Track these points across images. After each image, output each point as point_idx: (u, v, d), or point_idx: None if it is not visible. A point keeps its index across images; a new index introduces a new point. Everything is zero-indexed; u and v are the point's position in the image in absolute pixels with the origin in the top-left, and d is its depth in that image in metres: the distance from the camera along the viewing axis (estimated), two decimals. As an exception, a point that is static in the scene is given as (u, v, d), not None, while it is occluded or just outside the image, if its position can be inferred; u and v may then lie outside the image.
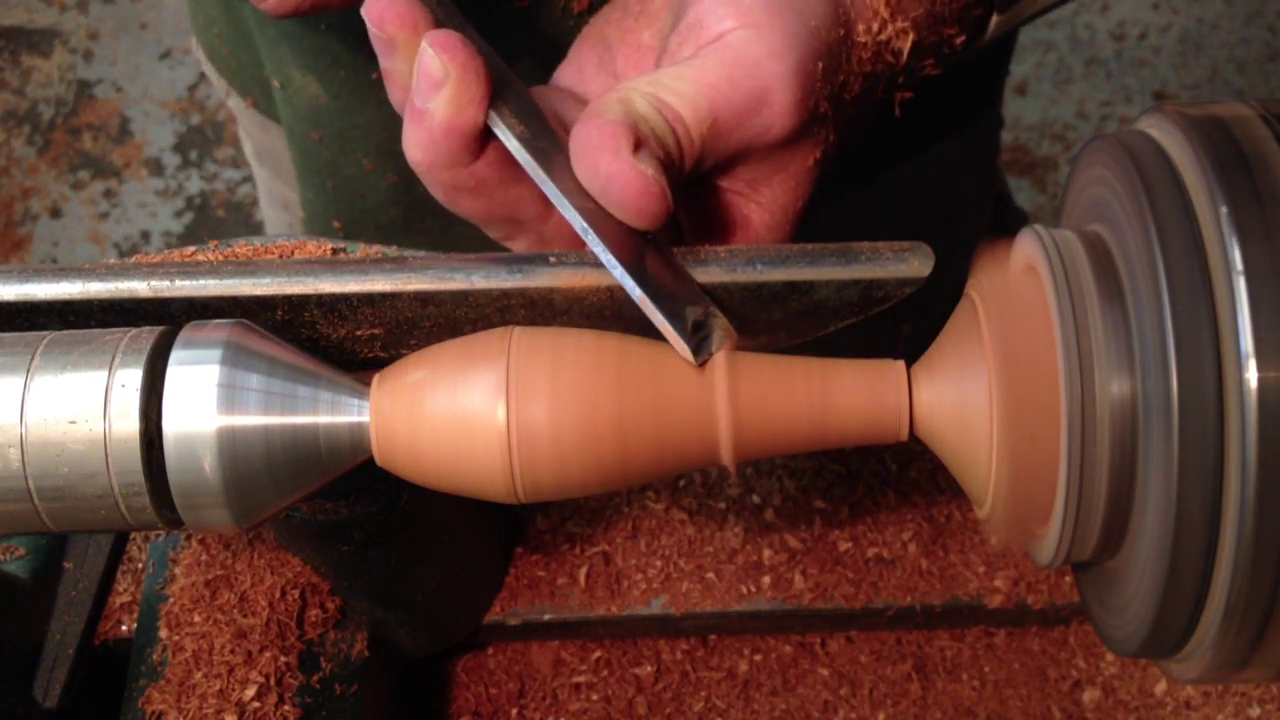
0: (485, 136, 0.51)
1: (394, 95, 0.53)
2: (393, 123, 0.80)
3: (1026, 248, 0.48)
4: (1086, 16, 2.37)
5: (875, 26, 0.53)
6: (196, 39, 0.97)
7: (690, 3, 0.53)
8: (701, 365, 0.48)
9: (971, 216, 1.02)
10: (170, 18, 2.45)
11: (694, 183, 0.53)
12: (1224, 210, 0.40)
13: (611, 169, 0.48)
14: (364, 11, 0.51)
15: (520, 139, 0.50)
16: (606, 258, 0.48)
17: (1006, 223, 1.09)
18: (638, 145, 0.48)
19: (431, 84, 0.49)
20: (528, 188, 0.53)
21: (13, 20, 2.48)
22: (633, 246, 0.49)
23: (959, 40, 0.58)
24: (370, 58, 0.77)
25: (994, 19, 0.60)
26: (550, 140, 0.51)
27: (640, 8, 0.58)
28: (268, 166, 1.01)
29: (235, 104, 0.98)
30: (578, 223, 0.49)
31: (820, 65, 0.51)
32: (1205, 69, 2.32)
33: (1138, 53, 2.34)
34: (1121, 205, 0.44)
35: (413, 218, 0.86)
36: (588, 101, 0.57)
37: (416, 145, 0.51)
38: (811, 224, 0.56)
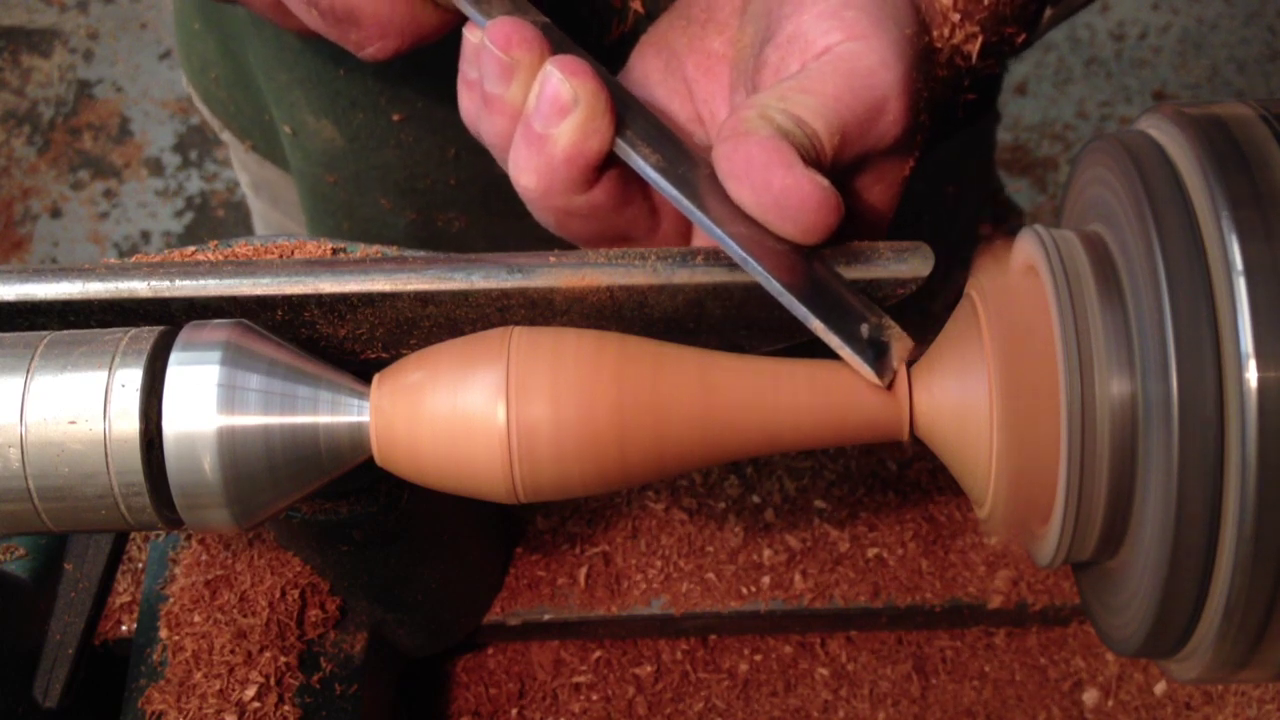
0: (603, 163, 0.50)
1: (495, 125, 0.51)
2: (412, 162, 0.80)
3: (1026, 248, 0.48)
4: (1086, 16, 2.37)
5: (947, 31, 0.53)
6: (190, 82, 0.96)
7: (784, 16, 0.52)
8: (889, 386, 0.47)
9: (971, 213, 1.02)
10: (170, 18, 2.45)
11: None
12: (1224, 210, 0.40)
13: (787, 183, 0.46)
14: (486, 33, 0.50)
15: (657, 168, 0.49)
16: (773, 286, 0.46)
17: (1001, 218, 1.09)
18: (804, 159, 0.47)
19: (558, 109, 0.48)
20: (639, 207, 0.52)
21: (13, 20, 2.49)
22: (797, 268, 0.47)
23: (1020, 39, 0.58)
24: (391, 100, 0.77)
25: (1047, 12, 0.60)
26: (687, 164, 0.50)
27: (706, 16, 0.57)
28: (265, 198, 1.01)
29: (230, 139, 0.97)
30: (735, 252, 0.47)
31: (919, 73, 0.51)
32: (1205, 69, 2.32)
33: (1138, 53, 2.34)
34: (1121, 205, 0.44)
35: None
36: (656, 110, 0.56)
37: (532, 171, 0.50)
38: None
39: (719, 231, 0.47)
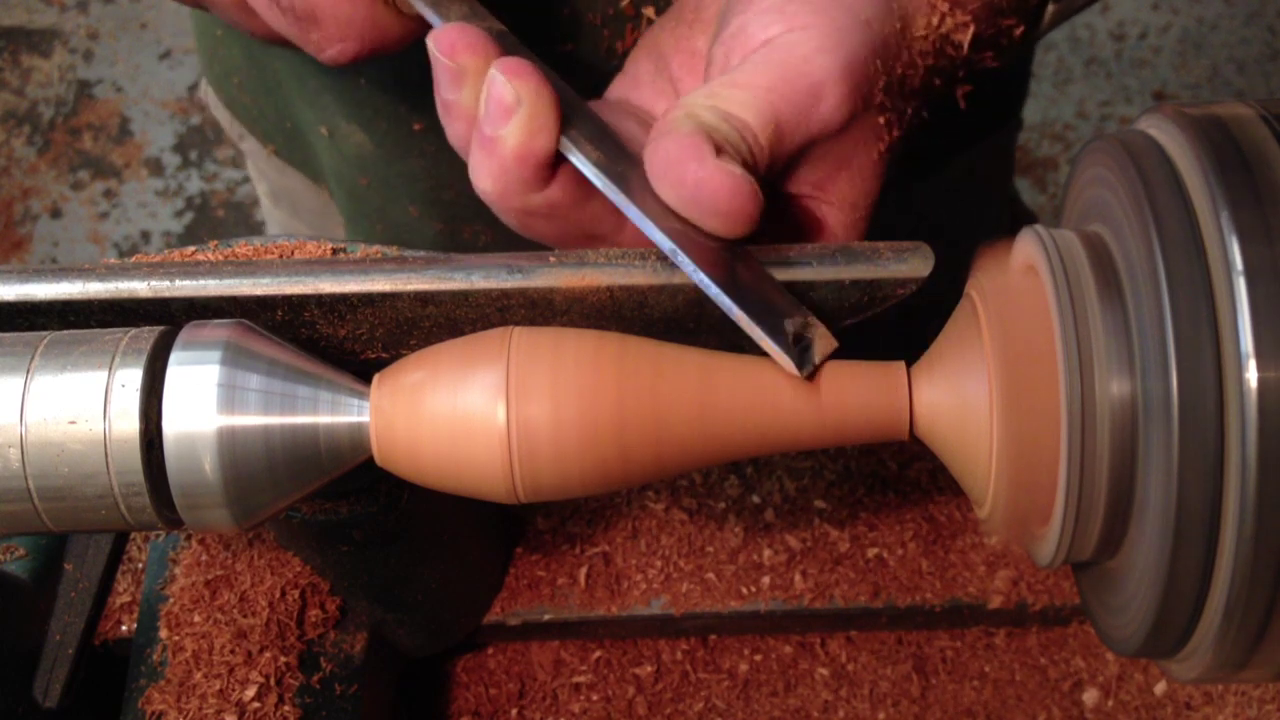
0: (556, 161, 0.50)
1: (455, 130, 0.52)
2: (437, 171, 0.80)
3: (1026, 248, 0.48)
4: (1086, 16, 2.37)
5: (935, 20, 0.53)
6: (212, 87, 0.96)
7: (733, 12, 0.52)
8: (810, 379, 0.47)
9: (992, 220, 1.02)
10: (170, 18, 2.45)
11: (766, 193, 0.53)
12: (1224, 210, 0.40)
13: (700, 175, 0.47)
14: (432, 40, 0.50)
15: (597, 164, 0.50)
16: (699, 277, 0.47)
17: (1017, 224, 1.09)
18: (719, 151, 0.48)
19: (503, 110, 0.49)
20: (601, 203, 0.52)
21: (13, 20, 2.49)
22: (724, 262, 0.48)
23: (1018, 31, 0.58)
24: (411, 109, 0.78)
25: (1050, 8, 0.60)
26: (627, 162, 0.51)
27: (694, 16, 0.58)
28: (284, 207, 1.01)
29: (250, 147, 0.97)
30: (665, 244, 0.48)
31: (875, 57, 0.51)
32: (1205, 69, 2.32)
33: (1138, 53, 2.34)
34: (1121, 205, 0.44)
35: None
36: (643, 111, 0.57)
37: (487, 174, 0.51)
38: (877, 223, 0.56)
39: (649, 225, 0.48)
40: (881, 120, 0.52)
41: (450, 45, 0.50)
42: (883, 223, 0.73)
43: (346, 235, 0.91)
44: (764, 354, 0.48)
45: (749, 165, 0.49)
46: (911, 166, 0.85)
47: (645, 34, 0.60)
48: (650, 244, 0.53)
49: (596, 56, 0.70)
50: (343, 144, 0.82)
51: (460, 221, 0.83)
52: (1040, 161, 2.23)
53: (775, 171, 0.51)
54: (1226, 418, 0.40)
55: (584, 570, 0.72)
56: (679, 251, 0.48)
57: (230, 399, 0.45)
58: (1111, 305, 0.44)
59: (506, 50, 0.51)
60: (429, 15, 0.53)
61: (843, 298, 0.50)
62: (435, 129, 0.78)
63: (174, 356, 0.46)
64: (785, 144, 0.50)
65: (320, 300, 0.50)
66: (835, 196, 0.54)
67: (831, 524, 0.73)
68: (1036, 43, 0.62)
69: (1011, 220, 1.08)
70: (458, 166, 0.79)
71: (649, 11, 0.68)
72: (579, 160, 0.50)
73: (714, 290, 0.47)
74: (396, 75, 0.75)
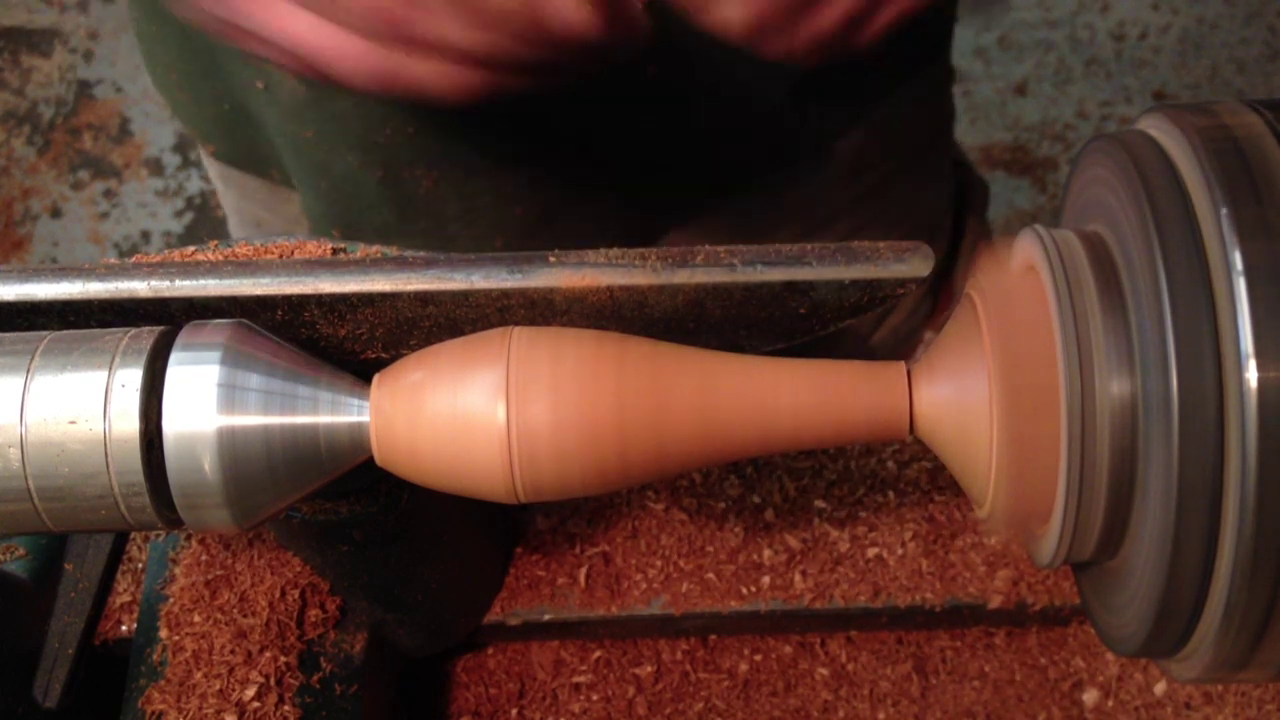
0: None
1: None
2: (367, 112, 0.80)
3: (1026, 248, 0.48)
4: (1086, 16, 2.37)
5: None
6: (157, 88, 0.97)
7: None
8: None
9: (927, 185, 1.00)
10: (170, 18, 2.45)
11: None
12: (1224, 210, 0.40)
13: None
14: None
15: None
16: None
17: (969, 191, 1.07)
18: None
19: None
20: None
21: (13, 20, 2.48)
22: None
23: None
24: None
25: None
26: None
27: None
28: (235, 188, 1.02)
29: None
30: None
31: None
32: (1205, 69, 2.32)
33: (1138, 53, 2.34)
34: (1121, 205, 0.44)
35: (405, 219, 0.86)
36: None
37: None
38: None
39: None
40: None
41: None
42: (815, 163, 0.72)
43: (301, 198, 0.91)
44: (765, 353, 0.48)
45: None
46: (840, 105, 0.85)
47: None
48: None
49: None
50: (279, 91, 0.83)
51: (400, 166, 0.84)
52: (1040, 161, 2.23)
53: None
54: (1226, 418, 0.40)
55: (584, 570, 0.72)
56: None
57: (230, 399, 0.45)
58: (1111, 305, 0.44)
59: None
60: None
61: (843, 298, 0.50)
62: None
63: (174, 356, 0.46)
64: None
65: (320, 300, 0.50)
66: None
67: (831, 524, 0.73)
68: None
69: (954, 176, 1.06)
70: (386, 105, 0.80)
71: None
72: None
73: None
74: None
